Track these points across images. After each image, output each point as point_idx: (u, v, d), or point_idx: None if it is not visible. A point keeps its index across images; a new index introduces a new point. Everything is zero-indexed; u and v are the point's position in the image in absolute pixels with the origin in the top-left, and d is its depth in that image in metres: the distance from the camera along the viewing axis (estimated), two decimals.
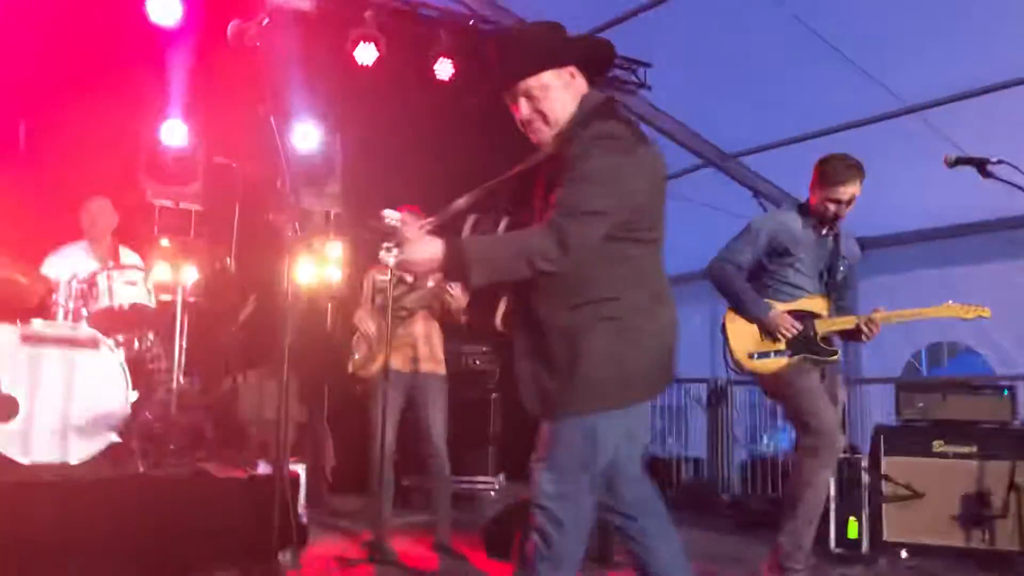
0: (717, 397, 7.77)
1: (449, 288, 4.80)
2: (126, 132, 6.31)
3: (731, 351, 4.15)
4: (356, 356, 5.07)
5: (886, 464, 5.52)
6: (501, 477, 6.85)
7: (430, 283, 4.96)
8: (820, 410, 3.98)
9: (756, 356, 4.09)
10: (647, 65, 8.26)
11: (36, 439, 4.45)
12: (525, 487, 6.92)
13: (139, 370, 5.21)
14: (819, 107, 7.73)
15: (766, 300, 4.13)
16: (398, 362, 4.85)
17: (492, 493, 6.71)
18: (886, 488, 5.46)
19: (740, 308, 4.15)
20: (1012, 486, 5.14)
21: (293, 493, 4.68)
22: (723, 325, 4.23)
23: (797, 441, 4.13)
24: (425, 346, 5.00)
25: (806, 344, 4.09)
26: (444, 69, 7.22)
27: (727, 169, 9.16)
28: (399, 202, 5.09)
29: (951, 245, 8.09)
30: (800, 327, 4.05)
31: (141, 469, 4.54)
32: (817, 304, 4.17)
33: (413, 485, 6.53)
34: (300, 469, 4.94)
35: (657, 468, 7.89)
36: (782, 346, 4.06)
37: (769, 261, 4.18)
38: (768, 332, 4.07)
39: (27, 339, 4.55)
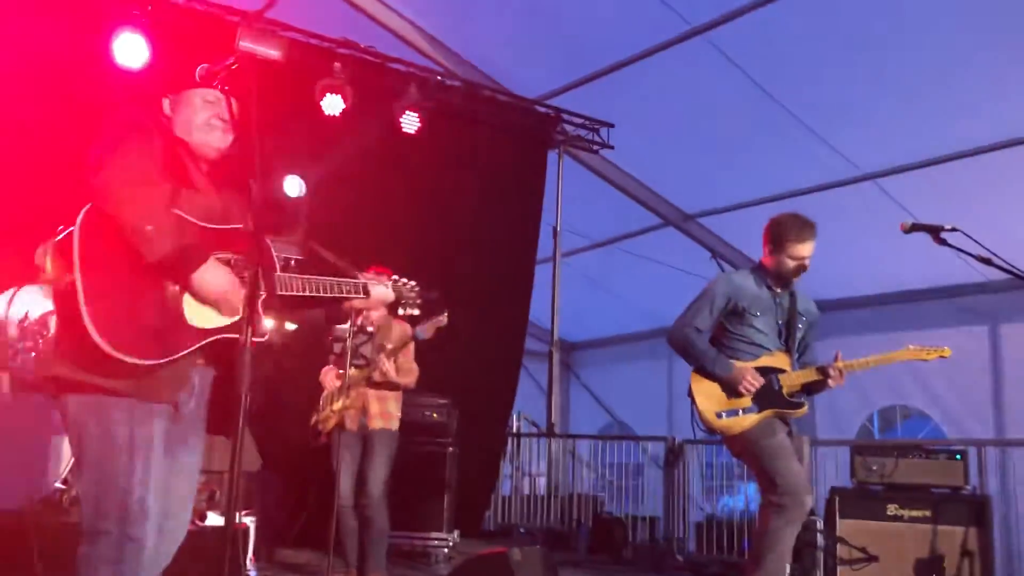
0: (674, 455, 7.76)
1: (383, 359, 4.86)
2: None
3: (699, 411, 4.14)
4: (320, 412, 5.06)
5: (841, 527, 5.54)
6: (455, 534, 6.74)
7: (389, 345, 4.98)
8: (787, 468, 3.99)
9: (724, 415, 4.09)
10: (609, 125, 8.41)
11: None
12: (479, 544, 6.80)
13: None
14: (777, 171, 7.92)
15: (728, 359, 4.16)
16: (349, 421, 4.93)
17: (446, 550, 6.59)
18: (841, 551, 5.47)
19: (703, 369, 4.15)
20: (965, 552, 5.18)
21: (243, 545, 4.53)
22: (689, 387, 4.23)
23: (763, 499, 4.12)
24: (376, 403, 5.02)
25: (772, 399, 4.10)
26: (410, 122, 7.28)
27: (686, 229, 9.30)
28: (361, 251, 5.14)
29: (902, 310, 8.26)
30: (762, 381, 4.08)
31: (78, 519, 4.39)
32: (779, 360, 4.19)
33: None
34: (249, 521, 4.78)
35: (611, 526, 7.83)
36: (748, 402, 4.07)
37: (728, 322, 4.22)
38: (732, 389, 4.09)
39: None
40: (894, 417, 9.34)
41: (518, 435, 9.54)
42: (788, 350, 4.25)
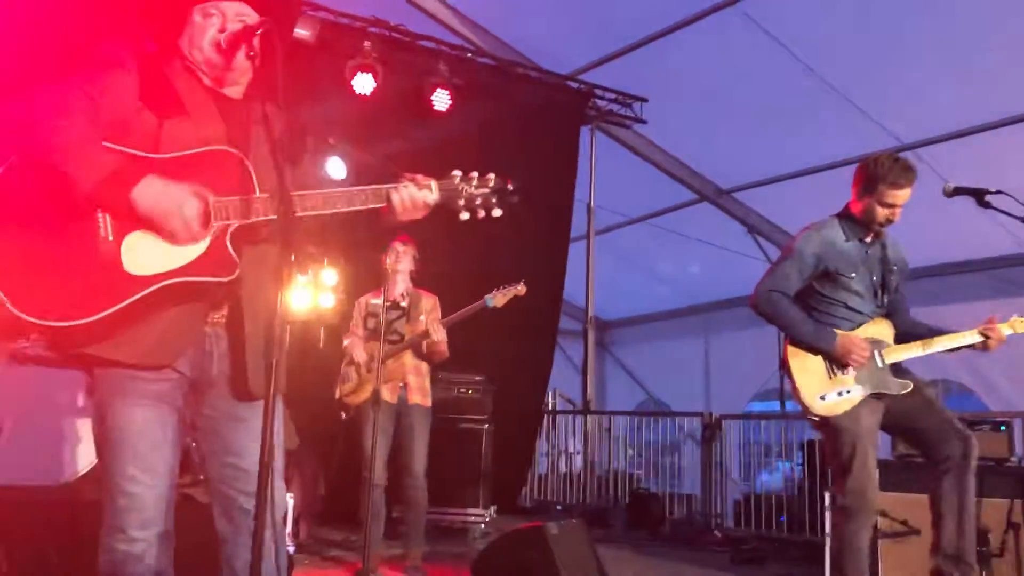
0: (711, 432, 7.71)
1: (434, 324, 4.82)
2: None
3: (798, 391, 3.70)
4: (345, 383, 5.04)
5: (883, 500, 5.46)
6: (492, 510, 6.77)
7: (422, 317, 4.96)
8: (861, 465, 3.61)
9: (827, 397, 3.66)
10: (643, 100, 8.32)
11: (20, 458, 4.38)
12: (515, 519, 6.82)
13: None
14: (814, 143, 7.80)
15: (830, 329, 3.70)
16: (387, 393, 4.83)
17: (482, 526, 6.62)
18: (882, 524, 5.39)
19: (799, 339, 3.71)
20: (1010, 524, 5.08)
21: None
22: (784, 360, 3.78)
23: (833, 499, 3.82)
24: (414, 377, 5.00)
25: (875, 378, 3.68)
26: (441, 100, 7.26)
27: (721, 204, 9.20)
28: (393, 230, 5.13)
29: (942, 283, 8.11)
30: (870, 351, 3.64)
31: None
32: (881, 329, 3.76)
33: (401, 516, 6.46)
34: (289, 498, 4.82)
35: (648, 503, 7.81)
36: (851, 381, 3.66)
37: (819, 284, 3.76)
38: (837, 363, 3.66)
39: (14, 357, 4.50)
40: (936, 391, 9.19)
41: (554, 412, 9.54)
42: (886, 314, 3.81)
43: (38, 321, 2.01)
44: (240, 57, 2.27)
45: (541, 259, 8.19)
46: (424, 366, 5.09)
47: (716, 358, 10.81)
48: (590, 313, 8.73)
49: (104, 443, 2.17)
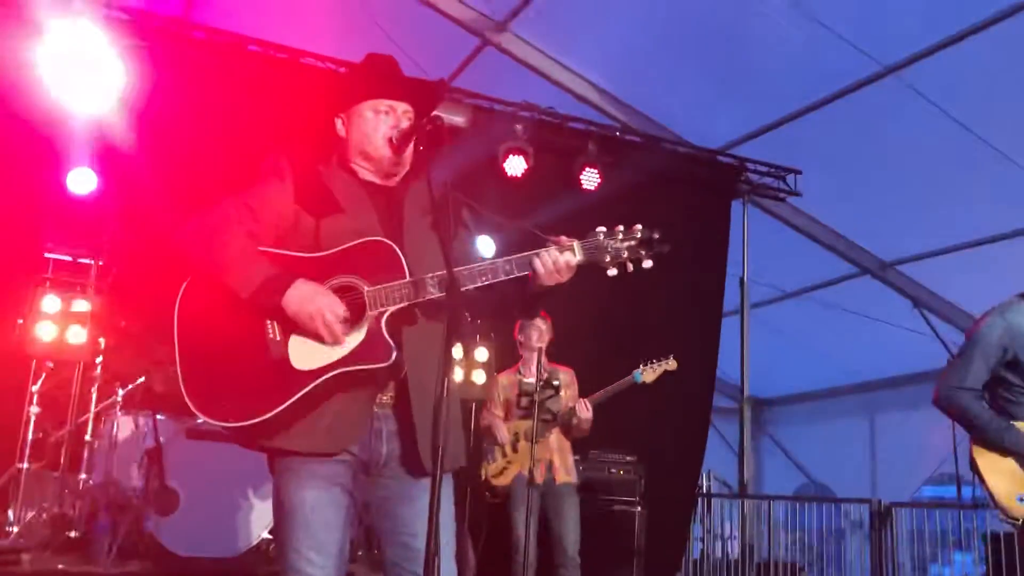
0: (880, 520, 7.22)
1: (579, 405, 4.79)
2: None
3: (991, 493, 3.43)
4: (490, 464, 5.06)
5: None
6: None
7: (562, 393, 4.96)
8: None
9: None
10: (796, 172, 8.14)
11: (197, 529, 4.59)
12: None
13: None
14: (981, 213, 7.38)
15: (1014, 423, 3.41)
16: (538, 475, 4.82)
17: None
18: None
19: (986, 440, 3.46)
20: None
21: None
22: (972, 461, 3.52)
23: None
24: (559, 457, 4.97)
25: None
26: (590, 179, 7.35)
27: (884, 277, 8.80)
28: (548, 312, 5.16)
29: None
30: None
31: None
32: None
33: None
34: None
35: None
36: None
37: (1009, 372, 3.48)
38: None
39: (190, 433, 4.77)
40: None
41: (708, 495, 9.21)
42: None
43: (220, 424, 2.20)
44: (408, 151, 2.40)
45: (693, 335, 8.03)
46: (567, 444, 5.07)
47: (883, 439, 10.20)
48: (745, 391, 8.46)
49: (279, 522, 2.29)
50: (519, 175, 7.10)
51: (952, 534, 7.41)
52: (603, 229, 2.34)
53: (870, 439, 9.94)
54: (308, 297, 2.18)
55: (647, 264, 2.32)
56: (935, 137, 6.82)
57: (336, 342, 2.20)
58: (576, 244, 2.32)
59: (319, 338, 2.19)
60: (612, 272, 2.31)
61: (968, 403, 3.43)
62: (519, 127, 7.13)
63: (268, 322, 2.24)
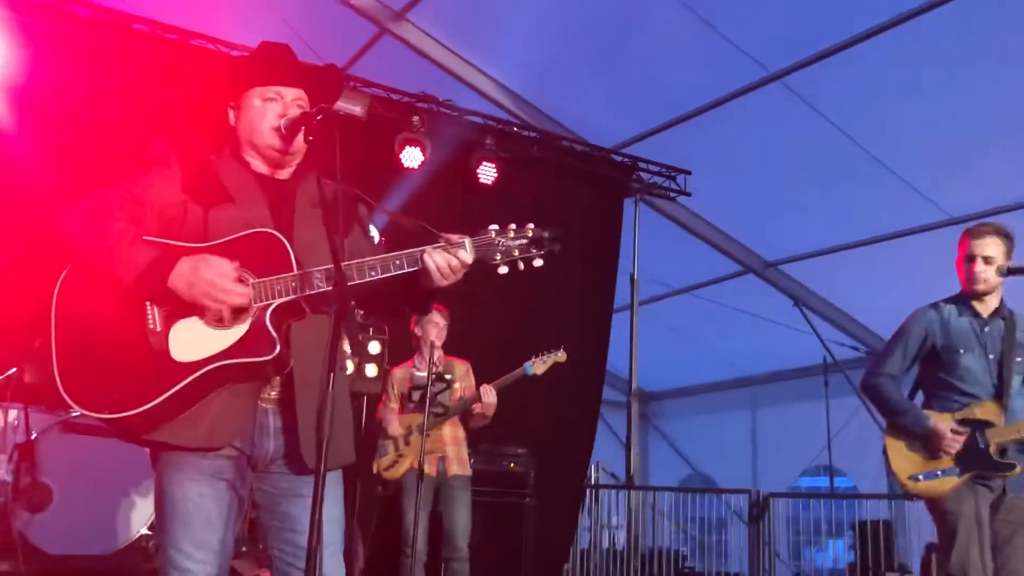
0: (759, 509, 7.52)
1: (484, 389, 4.81)
2: None
3: (894, 472, 3.67)
4: (382, 457, 5.04)
5: None
6: None
7: (457, 384, 4.97)
8: (962, 546, 3.45)
9: (922, 477, 3.59)
10: (686, 172, 8.36)
11: (71, 528, 4.42)
12: None
13: None
14: (861, 216, 7.74)
15: (926, 411, 3.64)
16: (426, 466, 4.83)
17: None
18: None
19: (896, 423, 3.68)
20: None
21: None
22: (884, 444, 3.75)
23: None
24: (453, 450, 4.99)
25: (975, 459, 3.54)
26: (487, 173, 7.37)
27: (767, 277, 9.13)
28: (439, 301, 5.16)
29: None
30: (963, 438, 3.54)
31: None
32: (987, 411, 3.60)
33: None
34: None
35: None
36: (949, 463, 3.56)
37: (931, 365, 3.72)
38: (930, 448, 3.59)
39: (66, 427, 4.58)
40: None
41: (596, 487, 9.38)
42: (1000, 395, 3.62)
43: (94, 414, 2.12)
44: (299, 141, 2.34)
45: (584, 329, 8.16)
46: (461, 435, 5.08)
47: (763, 432, 10.61)
48: (634, 384, 8.64)
49: (160, 518, 2.23)
50: (415, 167, 7.06)
51: (825, 522, 7.78)
52: (495, 227, 2.30)
53: (751, 432, 10.31)
54: (194, 269, 2.12)
55: (538, 263, 2.30)
56: (817, 142, 7.11)
57: (236, 319, 2.15)
58: (468, 241, 2.27)
59: (217, 313, 2.14)
60: (503, 270, 2.28)
61: (884, 386, 3.69)
62: (416, 118, 7.09)
63: (149, 312, 2.16)
